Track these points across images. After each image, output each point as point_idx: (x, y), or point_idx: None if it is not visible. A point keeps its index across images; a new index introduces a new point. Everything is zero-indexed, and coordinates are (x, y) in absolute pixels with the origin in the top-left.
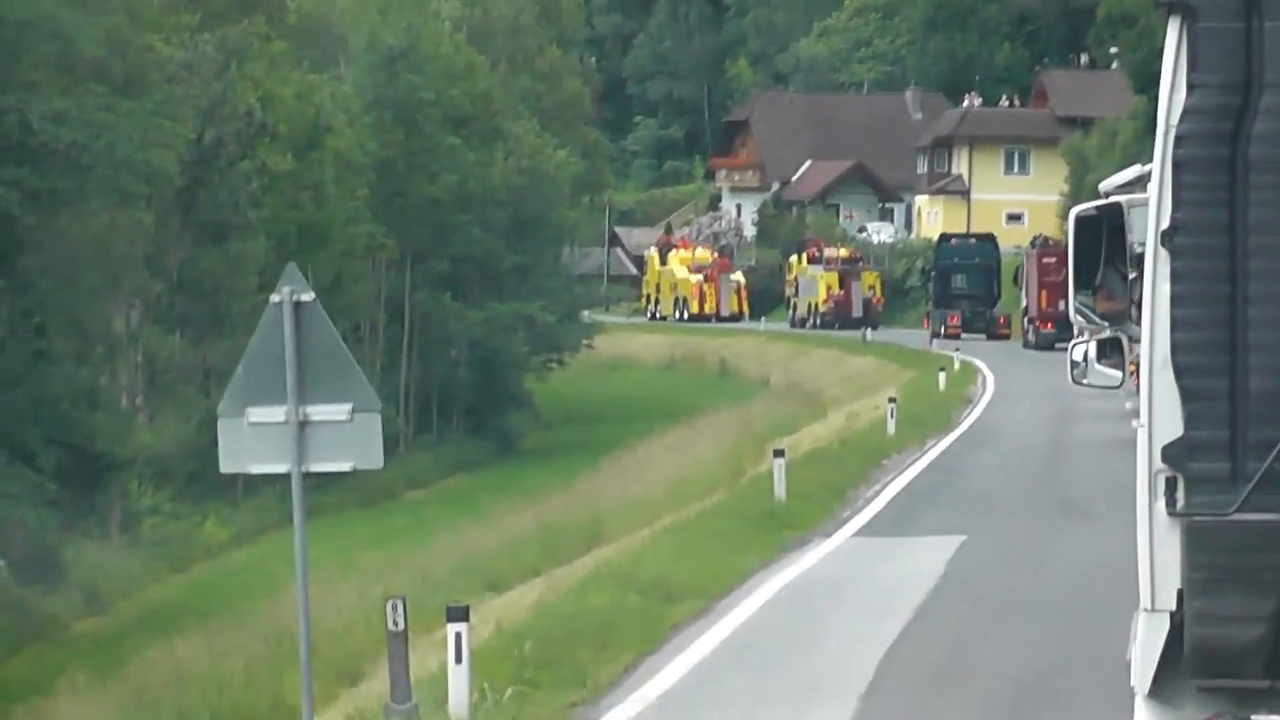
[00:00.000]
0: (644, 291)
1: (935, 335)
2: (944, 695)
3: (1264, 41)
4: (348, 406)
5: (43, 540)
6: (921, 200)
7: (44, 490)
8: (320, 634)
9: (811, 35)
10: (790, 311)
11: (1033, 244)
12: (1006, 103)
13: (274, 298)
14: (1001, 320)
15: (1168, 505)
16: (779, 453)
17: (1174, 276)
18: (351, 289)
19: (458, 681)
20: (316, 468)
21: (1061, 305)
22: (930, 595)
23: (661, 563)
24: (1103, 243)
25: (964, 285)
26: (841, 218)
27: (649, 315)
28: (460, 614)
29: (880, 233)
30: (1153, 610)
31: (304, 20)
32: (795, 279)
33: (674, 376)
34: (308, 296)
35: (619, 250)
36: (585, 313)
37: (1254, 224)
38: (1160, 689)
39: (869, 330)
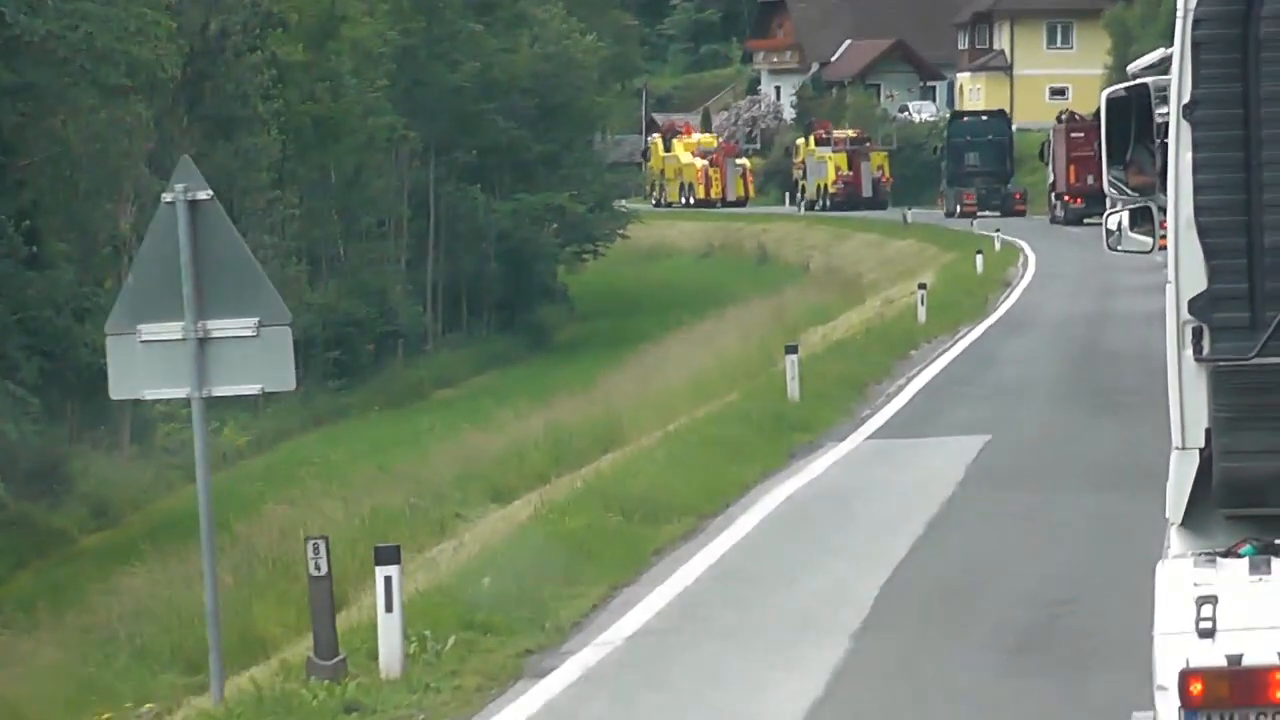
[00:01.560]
0: (649, 178)
1: (950, 214)
2: (944, 633)
3: None
4: (253, 320)
5: (48, 453)
6: (963, 78)
7: (26, 404)
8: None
9: None
10: (799, 194)
11: (1059, 119)
12: None
13: (166, 196)
14: (1018, 195)
15: (1195, 353)
16: (791, 349)
17: (1195, 146)
18: (373, 183)
19: (389, 633)
20: (220, 391)
21: (1090, 180)
22: (944, 507)
23: (652, 476)
24: (1132, 121)
25: (977, 162)
26: (882, 98)
27: (654, 202)
28: (390, 555)
29: (921, 112)
30: (1183, 448)
31: None
32: (803, 161)
33: (712, 264)
34: (204, 194)
35: (653, 137)
36: (620, 202)
37: (1265, 96)
38: (1191, 520)
39: (909, 212)
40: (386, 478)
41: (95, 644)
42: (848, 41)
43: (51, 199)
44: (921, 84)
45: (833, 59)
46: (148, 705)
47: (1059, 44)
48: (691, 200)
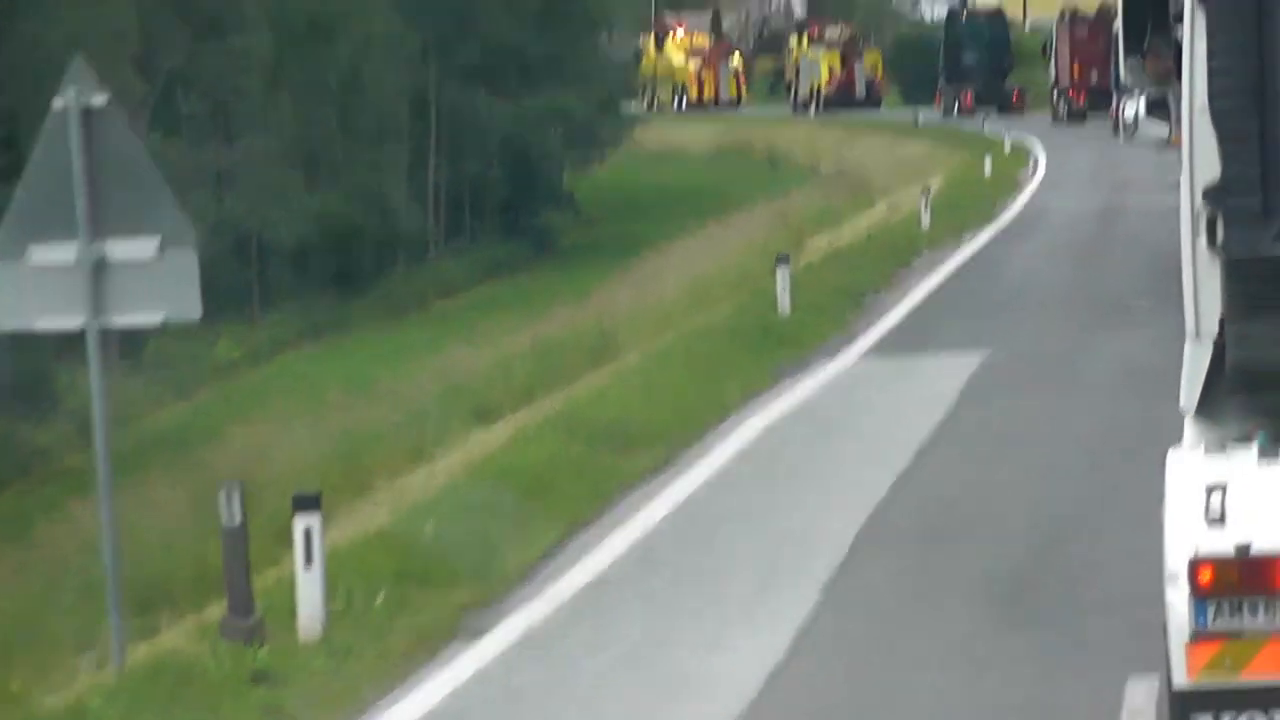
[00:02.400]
0: (641, 80)
1: (948, 112)
2: (925, 584)
3: None
4: (154, 241)
5: (30, 369)
6: None
7: None
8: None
9: None
10: (791, 95)
11: (1062, 16)
12: None
13: (56, 103)
14: (1016, 93)
15: (1209, 241)
16: (783, 259)
17: (1209, 32)
18: (372, 85)
19: (308, 590)
20: (119, 321)
21: (1094, 76)
22: (935, 434)
23: (624, 400)
24: (1149, 9)
25: (974, 60)
26: None
27: (646, 105)
28: (309, 503)
29: (935, 7)
30: (1198, 337)
31: None
32: (796, 61)
33: (722, 166)
34: (99, 100)
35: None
36: (631, 103)
37: None
38: (1206, 407)
39: (921, 113)
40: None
41: (49, 576)
42: None
43: (32, 106)
44: None
45: None
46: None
47: None
48: (683, 103)
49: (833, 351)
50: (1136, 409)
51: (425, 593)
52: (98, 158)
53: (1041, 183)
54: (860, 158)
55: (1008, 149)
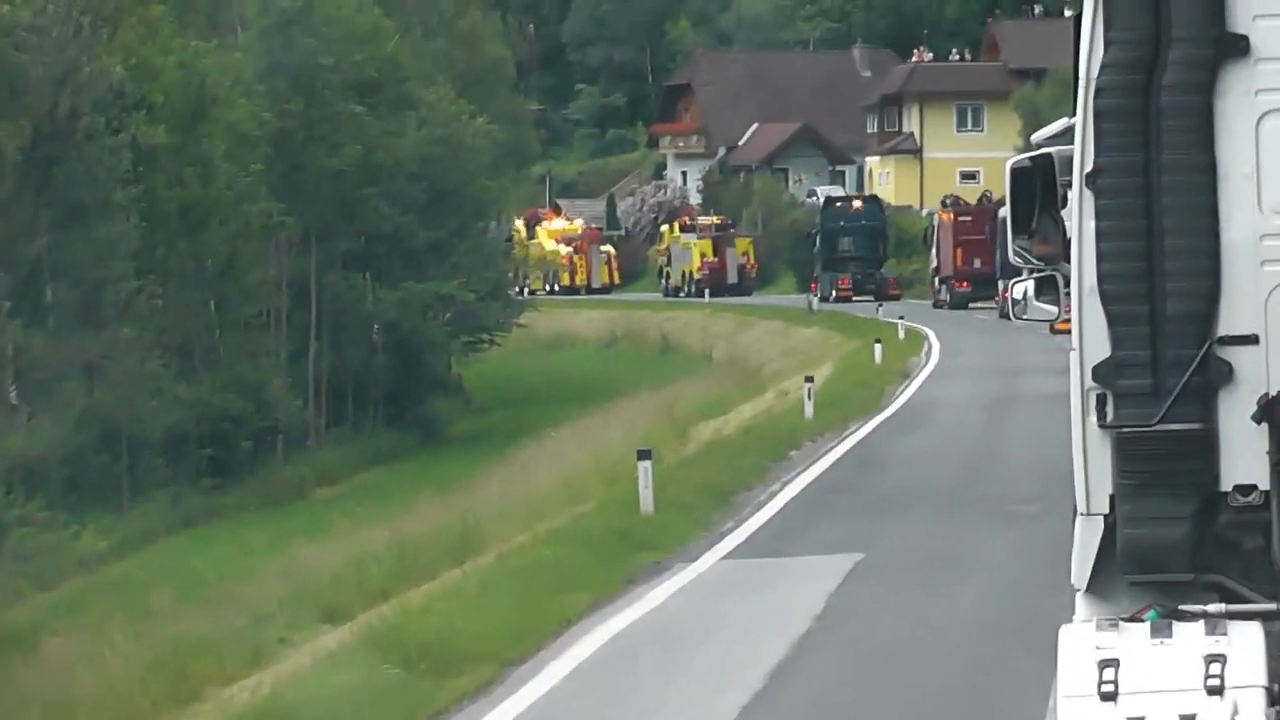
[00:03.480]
0: (514, 265)
1: (824, 299)
2: None
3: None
4: None
5: None
6: (872, 161)
7: None
8: (80, 695)
9: None
10: (663, 280)
11: (944, 204)
12: (957, 56)
13: None
14: (891, 280)
15: (1099, 419)
16: (644, 454)
17: (1098, 214)
18: (250, 272)
19: None
20: None
21: (978, 263)
22: (794, 650)
23: (453, 614)
24: (1037, 191)
25: (851, 248)
26: (790, 182)
27: (517, 290)
28: None
29: (827, 195)
30: (1088, 514)
31: None
32: (668, 248)
33: (615, 353)
34: None
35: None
36: (525, 289)
37: (1167, 164)
38: (1096, 585)
39: (814, 300)
40: (217, 595)
41: None
42: (755, 125)
43: None
44: (830, 168)
45: (740, 143)
46: None
47: (969, 126)
48: (555, 287)
49: (694, 555)
50: (1021, 629)
51: None
52: None
53: (934, 371)
54: (753, 344)
55: (901, 335)
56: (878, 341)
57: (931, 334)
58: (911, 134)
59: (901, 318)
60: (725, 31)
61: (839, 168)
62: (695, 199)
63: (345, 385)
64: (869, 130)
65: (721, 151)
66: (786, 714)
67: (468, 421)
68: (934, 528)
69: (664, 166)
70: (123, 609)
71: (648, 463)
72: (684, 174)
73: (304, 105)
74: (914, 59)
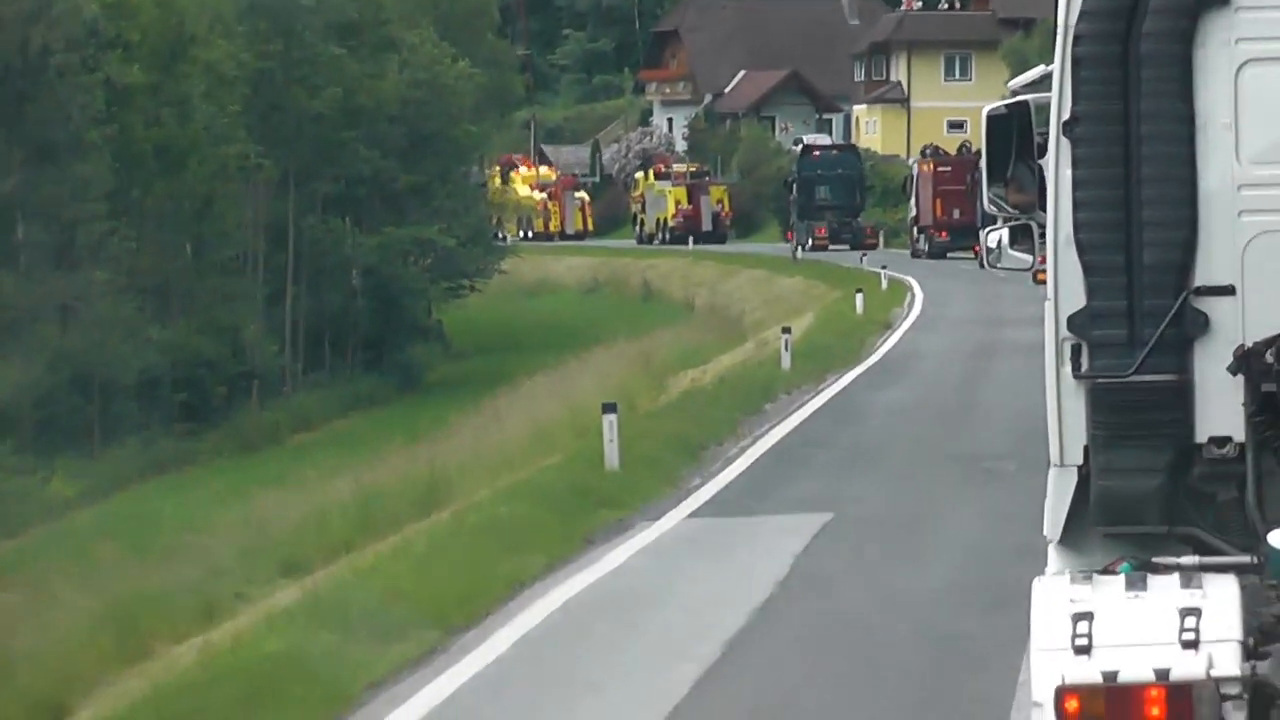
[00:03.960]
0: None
1: (800, 246)
2: None
3: None
4: None
5: None
6: (859, 110)
7: None
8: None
9: None
10: (637, 228)
11: (923, 153)
12: (945, 5)
13: None
14: (869, 230)
15: (1073, 369)
16: (609, 408)
17: (1075, 162)
18: (227, 214)
19: None
20: None
21: (957, 213)
22: (752, 619)
23: (399, 576)
24: (1013, 138)
25: (828, 196)
26: (777, 130)
27: (494, 235)
28: None
29: (815, 142)
30: (1062, 465)
31: None
32: (642, 195)
33: (597, 300)
34: None
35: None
36: (507, 235)
37: (1145, 113)
38: (1070, 538)
39: (799, 250)
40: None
41: None
42: (742, 72)
43: None
44: (818, 116)
45: (726, 90)
46: None
47: (957, 76)
48: (529, 234)
49: (658, 513)
50: (991, 597)
51: None
52: None
53: (916, 321)
54: (735, 292)
55: (884, 285)
56: (859, 291)
57: (915, 284)
58: (899, 83)
59: (885, 267)
60: None
61: (826, 116)
62: (681, 146)
63: (323, 330)
64: (856, 78)
65: (708, 98)
66: (738, 695)
67: (447, 367)
68: (910, 484)
69: (650, 113)
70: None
71: (613, 416)
72: (670, 121)
73: (284, 46)
74: (902, 7)
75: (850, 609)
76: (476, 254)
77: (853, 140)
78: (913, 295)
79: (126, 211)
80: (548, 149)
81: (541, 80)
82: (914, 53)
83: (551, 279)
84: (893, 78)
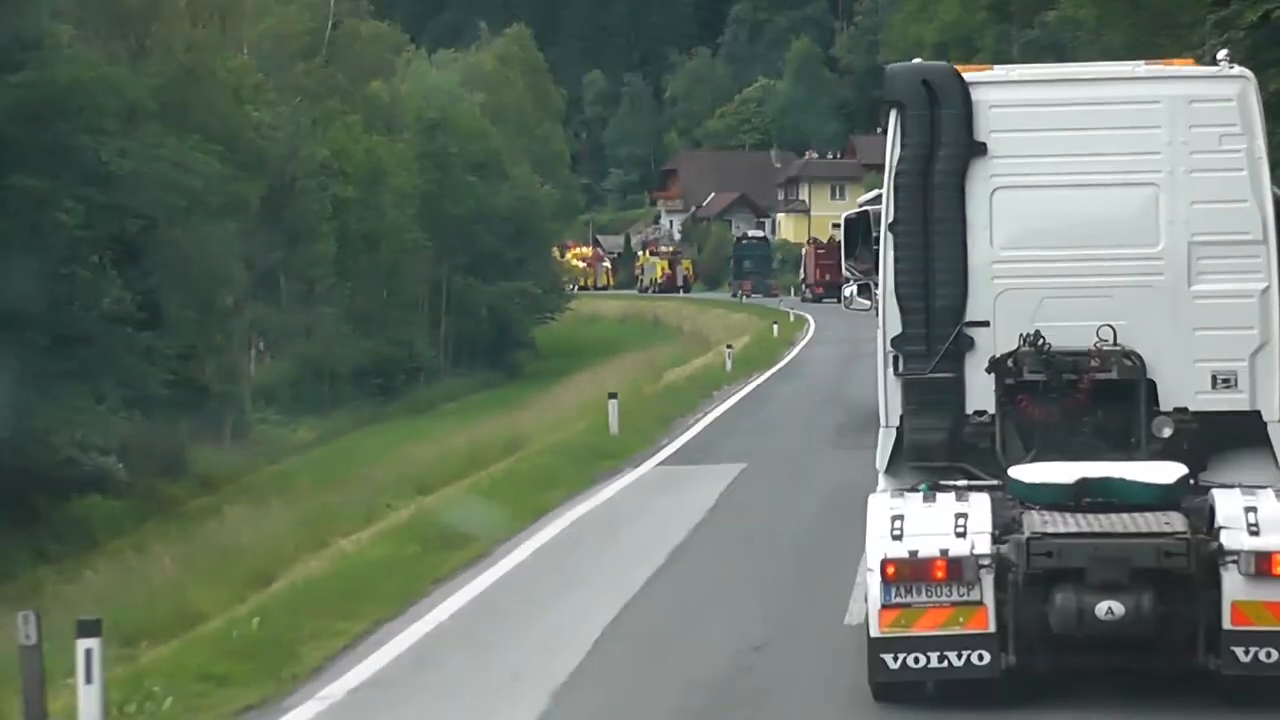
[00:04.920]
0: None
1: (734, 296)
2: (640, 694)
3: (941, 121)
4: None
5: (173, 445)
6: (781, 215)
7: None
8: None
9: (714, 116)
10: (638, 284)
11: (809, 242)
12: (831, 155)
13: None
14: (774, 286)
15: (894, 370)
16: (613, 395)
17: (895, 247)
18: (406, 274)
19: (88, 705)
20: None
21: (827, 277)
22: (690, 534)
23: (468, 506)
24: (860, 232)
25: (751, 266)
26: (733, 228)
27: (567, 286)
28: (91, 629)
29: (754, 237)
30: (886, 426)
31: (372, 100)
32: (641, 264)
33: (626, 326)
34: None
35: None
36: (571, 287)
37: (936, 218)
38: (891, 469)
39: (743, 296)
40: (355, 478)
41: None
42: (712, 194)
43: (168, 284)
44: (756, 219)
45: (704, 204)
46: None
47: (838, 196)
48: (576, 288)
49: (639, 462)
50: (847, 517)
51: (220, 692)
52: None
53: (810, 339)
54: (707, 322)
55: (791, 319)
56: (775, 323)
57: (809, 316)
58: (804, 200)
59: (792, 309)
60: (698, 138)
61: (761, 220)
62: (677, 237)
63: (463, 342)
64: (779, 198)
65: (693, 209)
66: (675, 587)
67: (537, 365)
68: (799, 445)
69: (659, 217)
70: (303, 481)
71: (615, 400)
72: (670, 221)
73: (440, 176)
74: (806, 156)
75: (753, 526)
76: (553, 298)
77: (777, 235)
78: (809, 322)
79: (344, 273)
80: (601, 237)
81: (595, 197)
82: (813, 183)
83: (599, 313)
84: (800, 197)
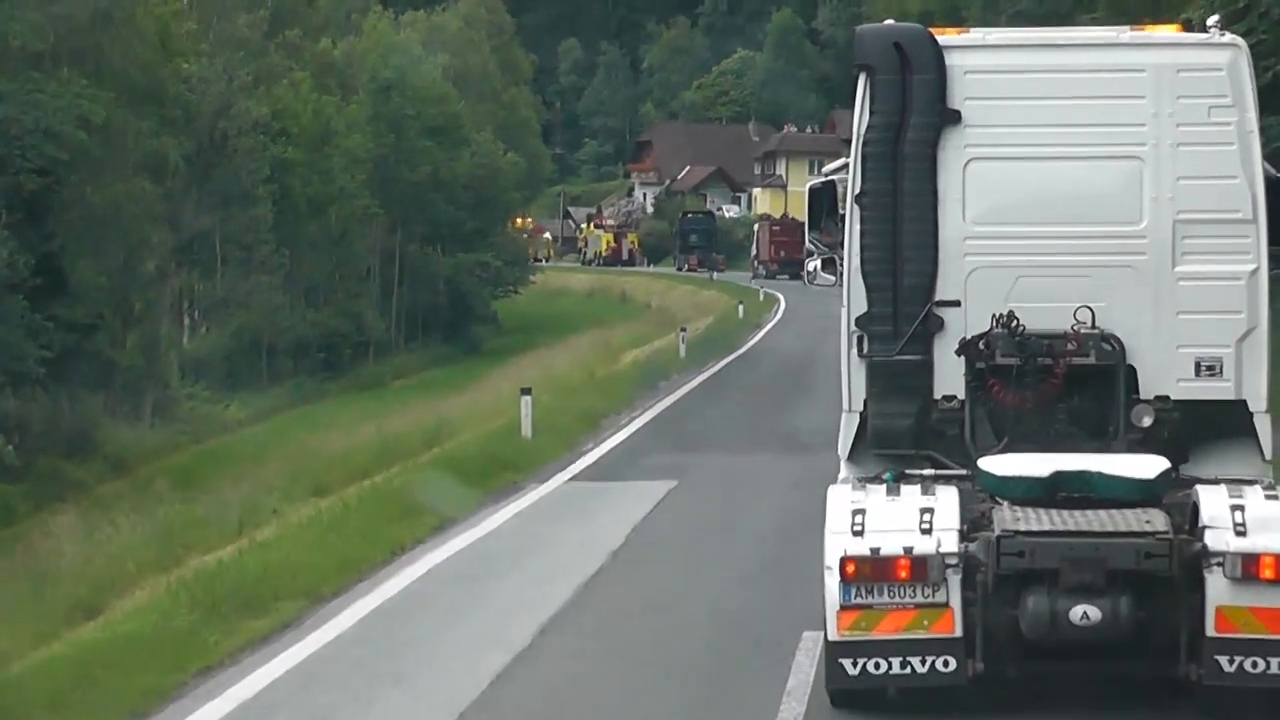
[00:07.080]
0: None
1: (679, 269)
2: None
3: (913, 86)
4: None
5: (80, 422)
6: (757, 190)
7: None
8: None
9: (691, 88)
10: (581, 256)
11: (763, 219)
12: (810, 130)
13: None
14: (720, 261)
15: (858, 351)
16: (526, 390)
17: (862, 220)
18: (355, 243)
19: None
20: None
21: (783, 254)
22: (575, 596)
23: (288, 550)
24: (825, 203)
25: (696, 241)
26: (708, 202)
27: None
28: None
29: (730, 210)
30: (849, 411)
31: (322, 58)
32: (585, 237)
33: (592, 301)
34: None
35: (570, 221)
36: (539, 260)
37: (906, 190)
38: (853, 456)
39: (714, 272)
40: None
41: None
42: (688, 166)
43: (75, 247)
44: (733, 194)
45: (679, 177)
46: None
47: (815, 171)
48: (544, 259)
49: (548, 476)
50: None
51: None
52: None
53: (780, 320)
54: (675, 299)
55: (761, 297)
56: (740, 303)
57: (781, 297)
58: (781, 174)
59: (763, 286)
60: (674, 110)
61: (737, 193)
62: (650, 209)
63: (417, 315)
64: (756, 172)
65: (667, 182)
66: (534, 682)
67: (497, 340)
68: (743, 456)
69: (633, 190)
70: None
71: (528, 397)
72: (644, 194)
73: (395, 139)
74: (784, 131)
75: (666, 582)
76: (515, 270)
77: (753, 210)
78: (779, 301)
79: (288, 240)
80: (572, 209)
81: (570, 168)
82: (790, 157)
83: (566, 287)
84: (778, 172)
